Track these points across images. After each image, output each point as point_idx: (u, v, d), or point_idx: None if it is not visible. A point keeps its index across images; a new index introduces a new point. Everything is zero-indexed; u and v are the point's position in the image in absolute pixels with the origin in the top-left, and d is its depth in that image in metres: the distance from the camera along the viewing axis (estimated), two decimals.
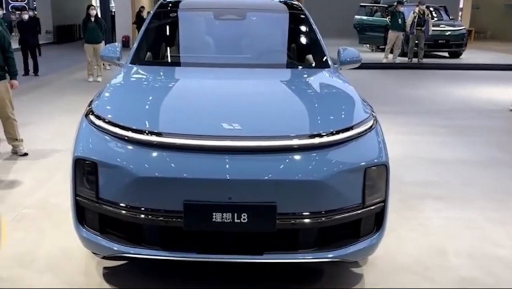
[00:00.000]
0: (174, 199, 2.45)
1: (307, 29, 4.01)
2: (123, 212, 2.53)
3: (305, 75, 3.51)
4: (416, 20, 14.21)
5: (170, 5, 4.23)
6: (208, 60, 3.78)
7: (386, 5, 17.55)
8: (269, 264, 2.70)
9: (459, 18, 25.34)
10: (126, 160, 2.50)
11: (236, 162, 2.47)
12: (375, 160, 2.67)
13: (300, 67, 3.70)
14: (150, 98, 2.93)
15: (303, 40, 4.07)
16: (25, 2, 26.00)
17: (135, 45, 3.82)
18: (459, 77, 12.46)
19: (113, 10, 20.89)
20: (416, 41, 14.42)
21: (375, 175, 2.68)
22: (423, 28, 14.23)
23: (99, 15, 12.84)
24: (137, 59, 3.70)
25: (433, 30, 14.81)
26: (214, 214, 2.45)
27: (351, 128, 2.68)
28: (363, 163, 2.61)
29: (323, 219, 2.56)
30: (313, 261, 2.64)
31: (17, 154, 5.28)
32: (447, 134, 6.63)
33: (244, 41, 4.00)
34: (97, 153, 2.57)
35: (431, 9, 17.15)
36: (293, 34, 4.10)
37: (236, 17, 4.12)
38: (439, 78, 12.36)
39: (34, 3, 24.75)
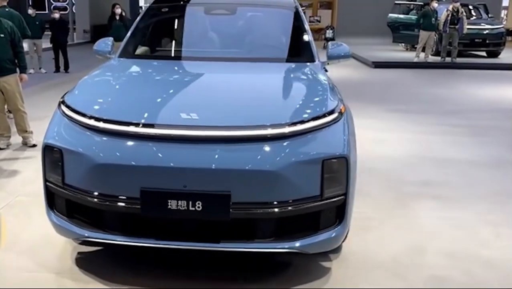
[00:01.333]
0: (132, 186, 2.55)
1: (296, 25, 4.04)
2: (86, 197, 2.65)
3: (283, 69, 3.54)
4: (449, 18, 13.85)
5: (163, 1, 4.35)
6: (195, 54, 3.88)
7: (422, 3, 17.20)
8: (227, 253, 2.74)
9: (504, 17, 24.53)
10: (87, 147, 2.62)
11: (190, 151, 2.54)
12: (334, 152, 2.67)
13: (283, 61, 3.72)
14: (118, 89, 3.05)
15: (291, 35, 4.08)
16: (66, 3, 26.96)
17: (125, 39, 3.96)
18: (493, 78, 12.08)
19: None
20: (450, 40, 14.08)
21: (335, 168, 2.69)
22: (456, 27, 13.87)
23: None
24: (126, 53, 3.83)
25: (469, 28, 14.39)
26: (169, 201, 2.53)
27: (310, 120, 2.69)
28: (320, 155, 2.63)
29: (279, 209, 2.60)
30: (270, 251, 2.67)
31: (26, 145, 5.55)
32: (461, 135, 6.48)
33: (231, 36, 4.07)
34: (62, 140, 2.70)
35: (470, 7, 16.71)
36: (281, 29, 4.14)
37: (226, 12, 4.19)
38: (471, 78, 12.03)
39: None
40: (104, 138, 2.62)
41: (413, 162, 5.32)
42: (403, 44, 18.39)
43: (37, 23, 12.01)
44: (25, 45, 12.87)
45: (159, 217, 2.61)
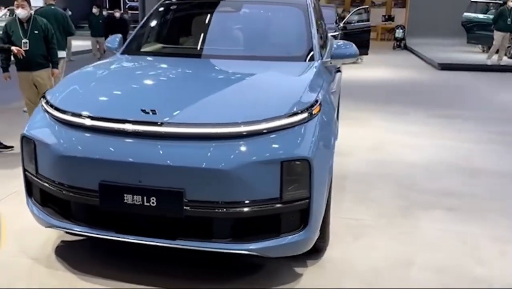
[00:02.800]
0: (92, 179, 2.66)
1: (301, 24, 3.98)
2: (54, 188, 2.81)
3: (269, 68, 3.50)
4: None
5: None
6: (190, 52, 3.99)
7: (501, 1, 16.20)
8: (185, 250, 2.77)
9: None
10: (53, 139, 2.77)
11: (146, 146, 2.61)
12: (295, 155, 2.63)
13: (277, 60, 3.69)
14: (93, 84, 3.18)
15: (292, 34, 4.04)
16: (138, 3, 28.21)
17: (130, 37, 4.12)
18: None
19: None
20: None
21: (296, 170, 2.64)
22: None
23: None
24: (128, 50, 3.99)
25: None
26: (125, 195, 2.62)
27: (271, 120, 2.66)
28: (278, 156, 2.60)
29: (235, 210, 2.60)
30: (227, 251, 2.68)
31: None
32: (500, 143, 6.06)
33: (231, 34, 4.10)
34: (36, 132, 2.88)
35: None
36: (284, 28, 4.11)
37: (230, 9, 4.23)
38: None
39: None
40: (68, 131, 2.76)
41: (439, 170, 5.07)
42: (479, 45, 17.43)
43: (100, 21, 12.71)
44: (89, 42, 13.77)
45: (116, 210, 2.70)
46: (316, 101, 2.94)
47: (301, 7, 4.13)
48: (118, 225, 2.75)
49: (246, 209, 2.62)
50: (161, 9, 4.33)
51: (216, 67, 3.63)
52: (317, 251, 3.21)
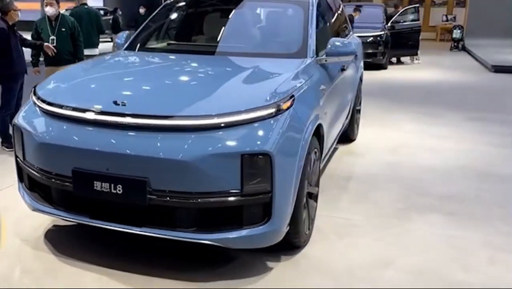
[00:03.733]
0: (67, 166, 2.85)
1: (299, 21, 4.01)
2: (37, 173, 3.02)
3: (252, 64, 3.56)
4: None
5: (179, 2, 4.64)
6: (185, 48, 4.14)
7: None
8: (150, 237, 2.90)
9: None
10: (35, 127, 2.98)
11: (113, 136, 2.76)
12: (256, 148, 2.69)
13: (265, 56, 3.75)
14: (79, 77, 3.38)
15: (287, 30, 4.08)
16: None
17: (134, 34, 4.33)
18: None
19: None
20: None
21: (256, 164, 2.71)
22: None
23: None
24: (131, 46, 4.19)
25: None
26: (95, 182, 2.78)
27: (234, 113, 2.73)
28: (238, 149, 2.67)
29: (196, 200, 2.70)
30: (190, 240, 2.78)
31: None
32: None
33: (227, 31, 4.19)
34: (23, 120, 3.10)
35: None
36: (280, 24, 4.16)
37: (229, 7, 4.34)
38: None
39: None
40: (47, 120, 2.97)
41: (454, 175, 4.93)
42: None
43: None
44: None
45: (88, 196, 2.87)
46: (288, 97, 2.98)
47: (302, 5, 4.16)
48: (92, 211, 2.92)
49: (207, 200, 2.71)
50: (164, 8, 4.51)
51: (201, 63, 3.73)
52: (293, 246, 3.25)
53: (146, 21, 4.43)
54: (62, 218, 3.04)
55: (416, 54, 14.61)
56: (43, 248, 3.27)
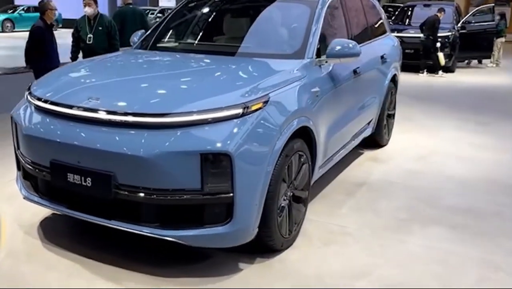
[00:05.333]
0: (46, 157, 3.04)
1: (302, 21, 3.98)
2: (26, 163, 3.25)
3: (242, 63, 3.59)
4: None
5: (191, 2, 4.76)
6: (191, 47, 4.25)
7: None
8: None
9: None
10: (23, 119, 3.21)
11: (84, 131, 2.91)
12: (216, 148, 2.72)
13: (262, 56, 3.75)
14: (70, 74, 3.57)
15: (288, 31, 4.05)
16: None
17: (145, 35, 4.51)
18: None
19: None
20: None
21: (217, 164, 2.74)
22: None
23: None
24: (141, 45, 4.37)
25: None
26: (68, 174, 2.95)
27: (199, 112, 2.78)
28: (197, 148, 2.72)
29: (158, 197, 2.78)
30: (151, 235, 2.86)
31: None
32: None
33: (231, 31, 4.25)
34: (16, 113, 3.35)
35: None
36: (281, 24, 4.13)
37: (235, 7, 4.39)
38: None
39: None
40: (32, 113, 3.18)
41: (476, 186, 4.66)
42: None
43: None
44: None
45: (63, 187, 3.04)
46: (260, 98, 2.98)
47: (310, 5, 4.12)
48: (69, 201, 3.10)
49: (168, 197, 2.79)
50: (175, 10, 4.68)
51: (189, 63, 3.81)
52: (271, 249, 3.25)
53: (158, 22, 4.60)
54: (46, 207, 3.24)
55: (489, 57, 13.84)
56: (33, 233, 3.50)
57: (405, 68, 12.52)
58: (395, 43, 6.06)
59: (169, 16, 4.67)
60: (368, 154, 5.57)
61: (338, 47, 3.75)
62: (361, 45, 4.64)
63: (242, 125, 2.84)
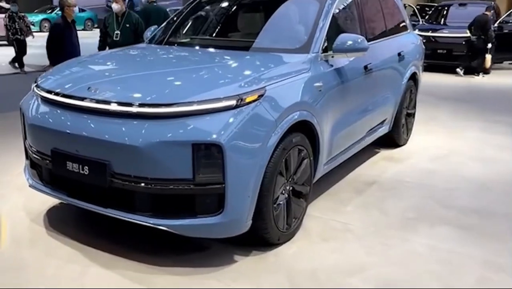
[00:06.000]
0: (48, 146, 3.15)
1: (309, 17, 3.97)
2: (31, 152, 3.37)
3: (245, 57, 3.62)
4: None
5: None
6: (198, 42, 4.31)
7: None
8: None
9: None
10: (29, 110, 3.32)
11: (82, 120, 3.00)
12: (207, 138, 2.76)
13: (270, 50, 3.77)
14: (76, 66, 3.67)
15: (295, 25, 4.04)
16: None
17: (158, 29, 4.60)
18: None
19: None
20: None
21: (208, 154, 2.78)
22: None
23: None
24: (151, 40, 4.46)
25: None
26: (67, 162, 3.05)
27: (193, 103, 2.82)
28: (189, 138, 2.76)
29: (151, 186, 2.84)
30: (145, 224, 2.91)
31: None
32: None
33: (241, 26, 4.31)
34: (24, 103, 3.47)
35: None
36: (289, 19, 4.13)
37: (246, 3, 4.42)
38: None
39: None
40: (36, 103, 3.30)
41: (493, 187, 4.54)
42: None
43: None
44: None
45: (62, 175, 3.14)
46: (256, 90, 3.00)
47: (320, 0, 4.11)
48: (69, 189, 3.19)
49: (161, 186, 2.84)
50: (188, 6, 4.76)
51: (193, 57, 3.87)
52: (267, 243, 3.26)
53: (171, 17, 4.70)
54: (48, 194, 3.34)
55: None
56: (39, 221, 3.62)
57: (437, 68, 12.42)
58: (417, 41, 5.96)
59: (182, 13, 4.74)
60: (384, 153, 5.50)
61: (344, 42, 3.73)
62: (375, 41, 4.65)
63: (236, 117, 2.86)
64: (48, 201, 3.85)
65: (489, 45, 11.67)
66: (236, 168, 2.82)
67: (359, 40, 3.77)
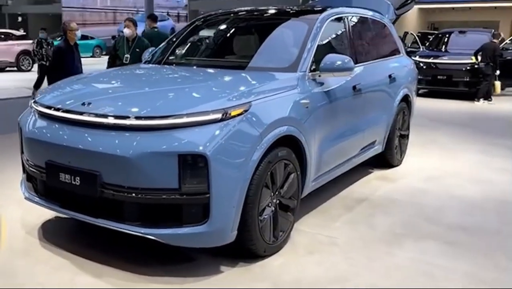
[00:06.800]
0: (43, 158, 3.29)
1: (297, 37, 4.15)
2: (27, 165, 3.51)
3: (233, 75, 3.79)
4: None
5: (201, 20, 5.05)
6: (193, 62, 4.51)
7: None
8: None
9: None
10: (26, 124, 3.48)
11: (74, 132, 3.14)
12: (193, 149, 2.88)
13: (260, 69, 3.92)
14: (72, 84, 3.85)
15: (285, 46, 4.22)
16: None
17: (154, 51, 4.80)
18: None
19: None
20: None
21: (194, 165, 2.90)
22: None
23: None
24: (149, 61, 4.65)
25: None
26: (60, 174, 3.18)
27: (180, 116, 2.96)
28: (175, 149, 2.89)
29: (139, 195, 2.96)
30: (134, 233, 3.02)
31: None
32: None
33: (234, 47, 4.52)
34: (21, 118, 3.64)
35: None
36: (279, 40, 4.31)
37: (243, 24, 4.65)
38: None
39: None
40: (32, 117, 3.46)
41: (484, 206, 4.60)
42: None
43: None
44: None
45: (56, 186, 3.27)
46: (242, 105, 3.14)
47: (308, 22, 4.29)
48: (62, 201, 3.32)
49: (149, 196, 2.96)
50: (185, 29, 4.98)
51: (185, 75, 4.05)
52: (253, 254, 3.35)
53: (169, 38, 4.91)
54: (42, 206, 3.46)
55: None
56: (34, 233, 3.74)
57: (438, 94, 12.58)
58: (409, 64, 6.11)
59: (181, 35, 4.94)
60: (377, 173, 5.59)
61: (331, 62, 3.88)
62: (364, 63, 4.81)
63: (221, 130, 2.99)
64: (44, 214, 3.98)
65: (498, 72, 11.84)
66: (220, 179, 2.94)
67: (346, 61, 3.92)
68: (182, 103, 3.14)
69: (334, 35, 4.60)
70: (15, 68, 19.68)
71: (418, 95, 12.61)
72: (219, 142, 2.95)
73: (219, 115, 3.02)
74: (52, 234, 3.74)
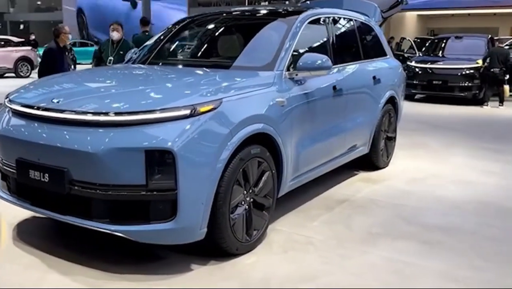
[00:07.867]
0: (13, 155, 3.29)
1: (276, 36, 4.17)
2: (0, 164, 3.51)
3: (208, 73, 3.81)
4: None
5: (184, 21, 5.08)
6: (170, 61, 4.58)
7: None
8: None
9: None
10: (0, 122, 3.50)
11: (43, 129, 3.15)
12: (160, 146, 2.89)
13: (233, 68, 3.95)
14: (46, 81, 3.88)
15: (265, 46, 4.20)
16: None
17: (137, 51, 4.82)
18: None
19: None
20: None
21: (161, 161, 2.90)
22: None
23: None
24: (134, 61, 4.67)
25: None
26: (30, 171, 3.19)
27: (148, 112, 2.96)
28: (141, 145, 2.89)
29: (106, 192, 2.96)
30: (102, 230, 3.02)
31: None
32: None
33: (215, 46, 4.55)
34: None
35: None
36: (258, 39, 4.32)
37: (225, 24, 4.69)
38: None
39: None
40: (6, 115, 3.47)
41: (465, 208, 4.57)
42: None
43: None
44: None
45: (26, 183, 3.27)
46: (211, 101, 3.14)
47: (288, 22, 4.30)
48: (32, 198, 3.31)
49: (116, 193, 2.96)
50: (171, 30, 5.00)
51: (160, 73, 4.07)
52: (225, 252, 3.34)
53: (154, 39, 4.95)
54: (14, 204, 3.45)
55: None
56: (8, 232, 3.75)
57: (434, 99, 12.58)
58: (395, 66, 6.11)
59: (164, 35, 4.96)
60: (363, 174, 5.58)
61: (308, 61, 3.89)
62: (346, 64, 4.81)
63: (189, 126, 2.99)
64: (20, 214, 3.98)
65: (507, 76, 11.84)
66: (188, 175, 2.94)
67: (323, 60, 3.92)
68: (152, 100, 3.15)
69: (314, 35, 4.61)
70: (14, 74, 19.76)
71: (414, 100, 12.85)
72: (187, 139, 2.95)
73: (187, 112, 3.02)
74: (26, 233, 3.75)
